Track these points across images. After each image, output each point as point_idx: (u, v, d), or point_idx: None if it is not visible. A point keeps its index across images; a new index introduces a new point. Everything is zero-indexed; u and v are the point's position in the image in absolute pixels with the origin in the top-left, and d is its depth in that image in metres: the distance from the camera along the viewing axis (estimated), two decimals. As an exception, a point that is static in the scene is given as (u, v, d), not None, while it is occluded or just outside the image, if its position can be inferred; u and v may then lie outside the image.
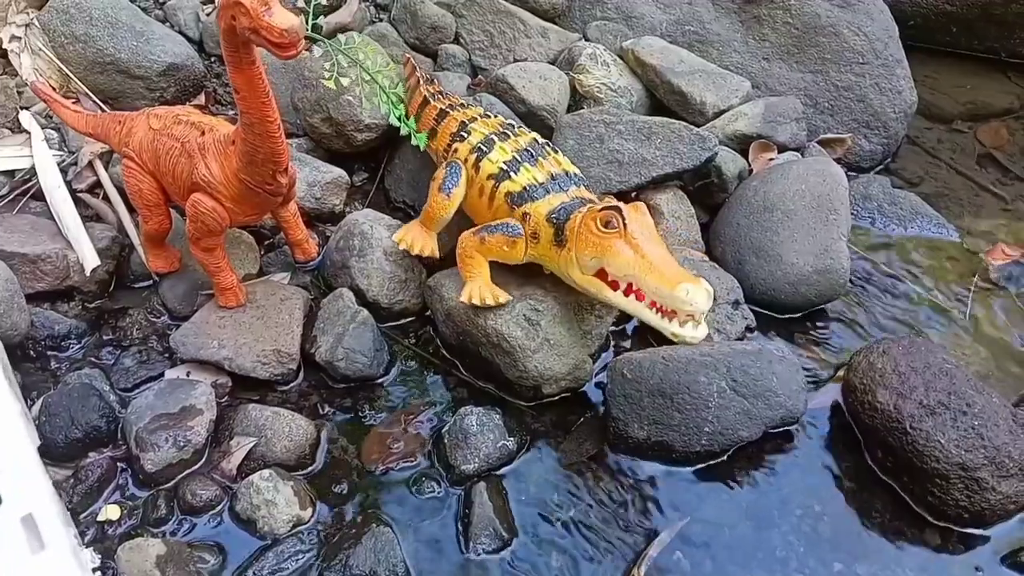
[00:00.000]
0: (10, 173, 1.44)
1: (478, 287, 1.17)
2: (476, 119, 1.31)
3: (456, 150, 1.28)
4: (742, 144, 1.52)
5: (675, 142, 1.40)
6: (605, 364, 1.26)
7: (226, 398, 1.21)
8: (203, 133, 1.14)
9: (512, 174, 1.18)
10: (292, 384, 1.24)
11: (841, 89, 1.65)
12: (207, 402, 1.15)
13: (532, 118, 1.53)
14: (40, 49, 1.58)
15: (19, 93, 1.57)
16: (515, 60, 1.66)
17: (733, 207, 1.44)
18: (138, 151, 1.20)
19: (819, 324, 1.36)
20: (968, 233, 1.54)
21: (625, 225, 1.05)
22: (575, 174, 1.20)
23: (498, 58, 1.69)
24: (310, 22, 1.27)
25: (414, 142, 1.30)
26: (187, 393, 1.15)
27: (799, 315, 1.37)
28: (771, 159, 1.52)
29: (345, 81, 1.25)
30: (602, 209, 1.07)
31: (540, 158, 1.20)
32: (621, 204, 1.07)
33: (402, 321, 1.33)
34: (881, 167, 1.69)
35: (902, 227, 1.53)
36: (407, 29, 1.73)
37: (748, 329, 1.32)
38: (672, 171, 1.40)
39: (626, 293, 1.06)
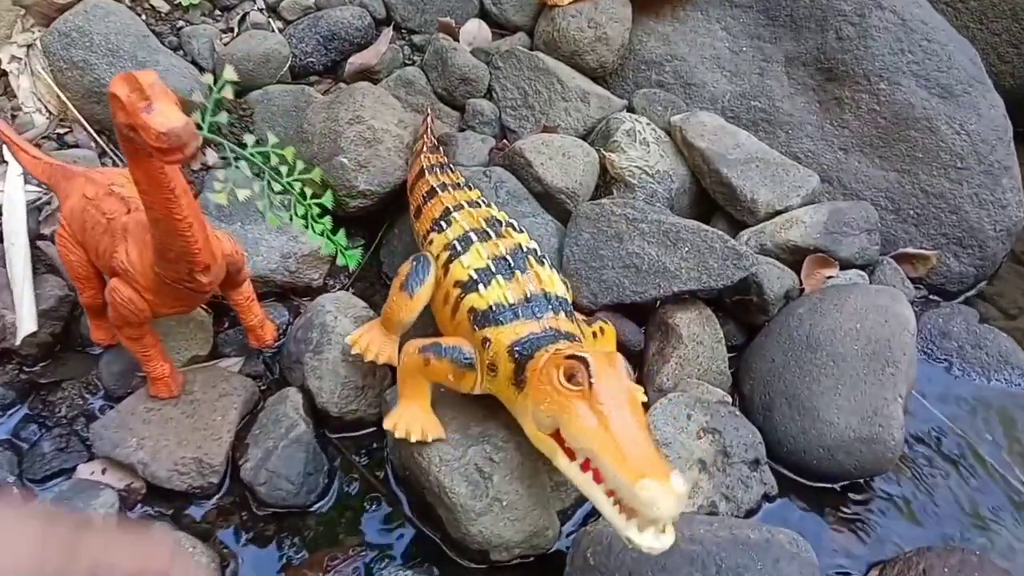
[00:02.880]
0: (-22, 209, 1.33)
1: (408, 414, 0.98)
2: (463, 207, 1.11)
3: (432, 240, 1.09)
4: (795, 256, 1.27)
5: (705, 254, 1.17)
6: (583, 520, 1.05)
7: (137, 506, 1.06)
8: (128, 211, 0.99)
9: (481, 287, 0.98)
10: (213, 498, 1.07)
11: (931, 195, 1.37)
12: (105, 517, 1.00)
13: (549, 200, 1.32)
14: (40, 72, 1.48)
15: (12, 117, 1.48)
16: (546, 126, 1.45)
17: (771, 336, 1.19)
18: (68, 219, 1.06)
19: (858, 500, 1.10)
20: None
21: (591, 383, 0.82)
22: (556, 296, 0.98)
23: (529, 120, 1.49)
24: (206, 119, 1.04)
25: (340, 262, 1.06)
26: (86, 502, 1.00)
27: (834, 485, 1.11)
28: (829, 277, 1.26)
29: (242, 194, 1.06)
30: (569, 357, 0.85)
31: (518, 271, 0.99)
32: (590, 355, 0.84)
33: (357, 433, 1.15)
34: (972, 292, 1.40)
35: (985, 377, 1.25)
36: (436, 77, 1.54)
37: (766, 497, 1.08)
38: (697, 288, 1.16)
39: (583, 467, 0.83)
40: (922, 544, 1.04)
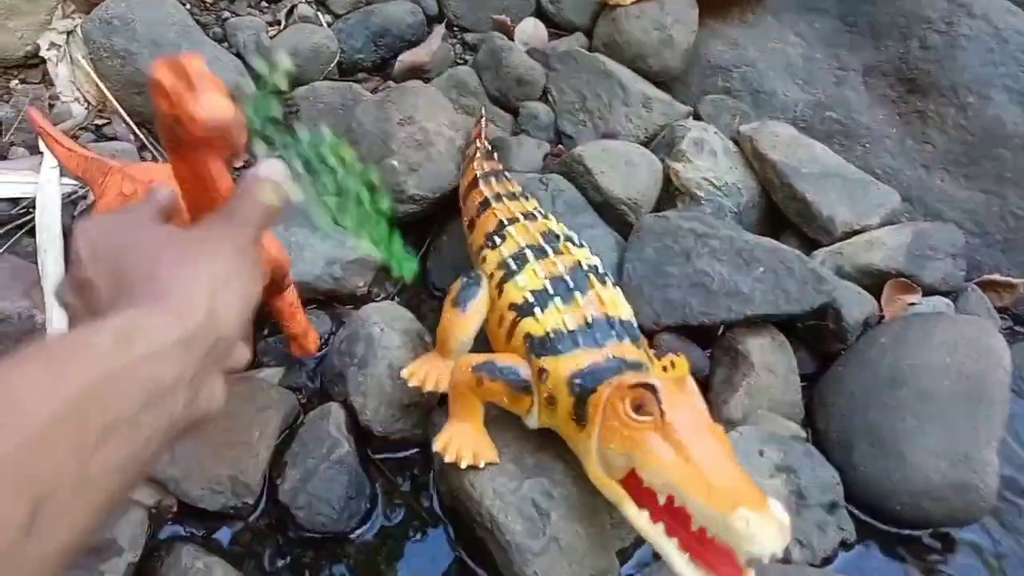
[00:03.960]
0: (14, 201, 1.28)
1: (459, 436, 0.90)
2: (518, 220, 1.03)
3: (485, 258, 1.01)
4: (874, 280, 1.17)
5: (782, 276, 1.08)
6: (645, 562, 0.97)
7: (168, 524, 0.99)
8: None
9: (538, 311, 0.90)
10: (248, 519, 1.01)
11: (1020, 219, 1.27)
12: (132, 538, 0.93)
13: (609, 211, 1.24)
14: (79, 61, 1.43)
15: (50, 106, 1.42)
16: (605, 132, 1.37)
17: (850, 367, 1.10)
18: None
19: (944, 551, 1.01)
20: None
21: (663, 412, 0.74)
22: (621, 321, 0.90)
23: (587, 125, 1.41)
24: (259, 111, 0.87)
25: (397, 272, 0.90)
26: (114, 520, 0.94)
27: (918, 532, 1.02)
28: (911, 304, 1.17)
29: (295, 193, 0.91)
30: (635, 385, 0.77)
31: (578, 293, 0.90)
32: (658, 381, 0.76)
33: (401, 454, 1.08)
34: (1064, 324, 1.30)
35: (1083, 420, 1.15)
36: (490, 78, 1.47)
37: (843, 545, 0.99)
38: (772, 312, 1.08)
39: (654, 518, 0.75)
40: (1018, 604, 0.94)
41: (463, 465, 0.89)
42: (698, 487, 0.69)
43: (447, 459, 0.89)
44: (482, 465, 0.89)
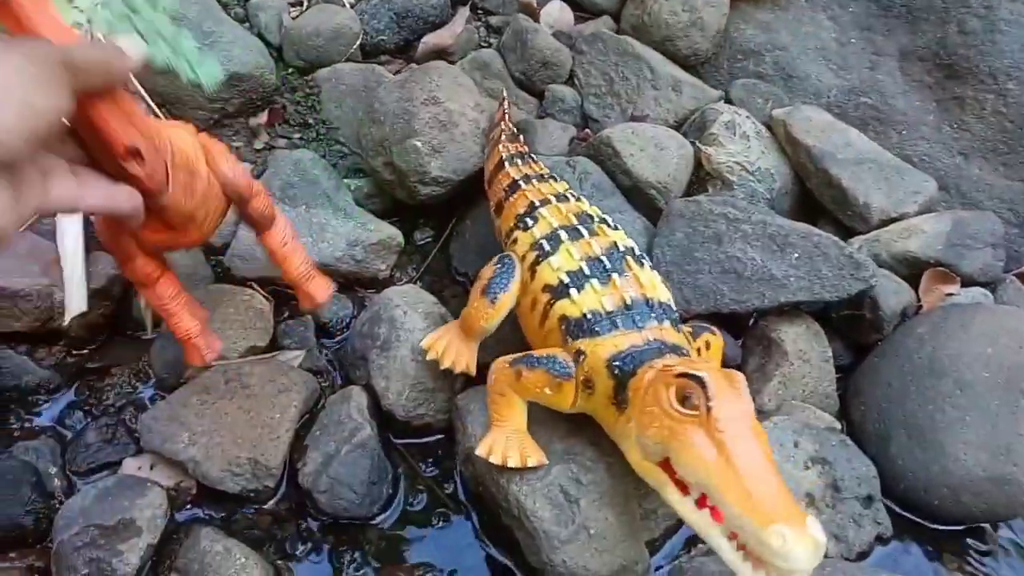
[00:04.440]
0: (33, 180, 1.26)
1: (504, 439, 0.87)
2: (550, 201, 1.00)
3: (516, 239, 0.98)
4: (912, 269, 1.14)
5: (818, 262, 1.05)
6: (672, 555, 0.94)
7: (187, 508, 0.97)
8: None
9: (573, 292, 0.87)
10: (268, 503, 0.98)
11: (1062, 209, 1.24)
12: (150, 519, 0.91)
13: (638, 195, 1.21)
14: (101, 40, 1.41)
15: (71, 86, 1.41)
16: (634, 115, 1.34)
17: (887, 358, 1.07)
18: None
19: (984, 547, 0.98)
20: None
21: (709, 407, 0.71)
22: (660, 303, 0.87)
23: (615, 109, 1.38)
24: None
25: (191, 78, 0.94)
26: (131, 501, 0.92)
27: (958, 528, 0.99)
28: (949, 294, 1.14)
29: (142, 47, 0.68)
30: (680, 375, 0.74)
31: (616, 274, 0.87)
32: (707, 372, 0.73)
33: (423, 439, 1.05)
34: (1104, 317, 1.26)
35: None
36: (515, 60, 1.44)
37: (879, 539, 0.96)
38: (807, 299, 1.04)
39: (699, 504, 0.72)
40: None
41: (511, 465, 0.85)
42: (736, 493, 0.66)
43: (493, 461, 0.86)
44: (532, 463, 0.86)
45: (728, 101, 1.36)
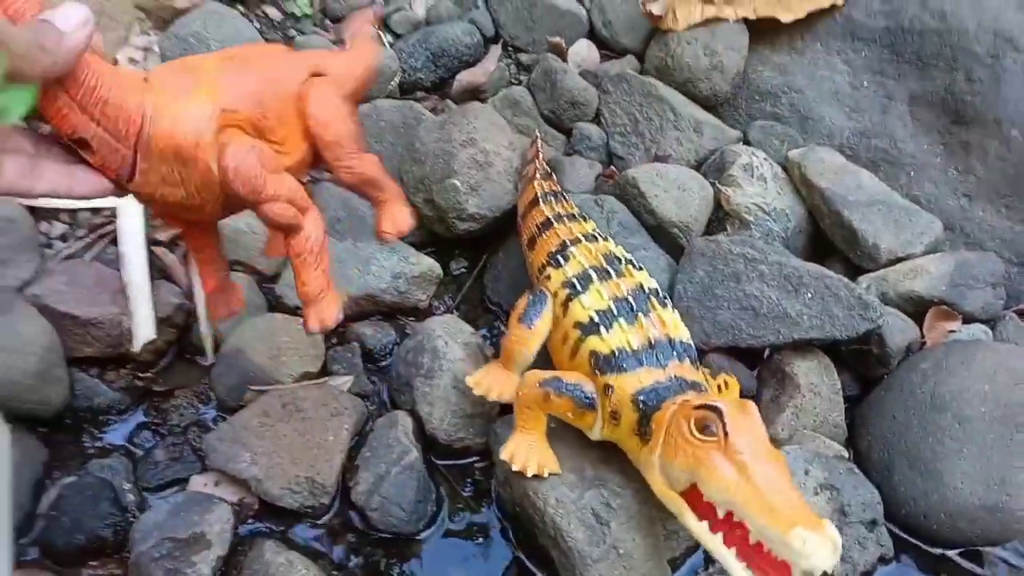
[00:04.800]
0: (96, 210, 1.36)
1: (526, 446, 0.97)
2: (580, 240, 1.09)
3: (549, 277, 1.07)
4: (917, 307, 1.22)
5: (829, 302, 1.13)
6: (693, 574, 1.03)
7: (250, 522, 1.07)
8: None
9: (603, 330, 0.96)
10: (322, 519, 1.08)
11: (1060, 250, 1.32)
12: (220, 533, 1.01)
13: (661, 233, 1.29)
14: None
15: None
16: (657, 154, 1.43)
17: (892, 391, 1.16)
18: None
19: (977, 569, 1.06)
20: None
21: (727, 433, 0.80)
22: (681, 342, 0.96)
23: (639, 147, 1.46)
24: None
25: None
26: (201, 516, 1.02)
27: (954, 551, 1.07)
28: (951, 331, 1.22)
29: None
30: (700, 407, 0.83)
31: (641, 314, 0.96)
32: (722, 403, 0.82)
33: (463, 461, 1.14)
34: (1099, 352, 1.34)
35: (1115, 448, 1.19)
36: (544, 99, 1.53)
37: (882, 560, 1.04)
38: (819, 337, 1.13)
39: (713, 528, 0.81)
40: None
41: (529, 474, 0.95)
42: (759, 506, 0.76)
43: (514, 468, 0.96)
44: (546, 475, 0.96)
45: (746, 142, 1.44)
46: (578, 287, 1.02)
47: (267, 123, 0.75)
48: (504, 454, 0.97)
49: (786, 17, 1.49)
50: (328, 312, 0.86)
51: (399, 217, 0.94)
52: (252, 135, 0.73)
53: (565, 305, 1.02)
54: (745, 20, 1.49)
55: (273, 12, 1.63)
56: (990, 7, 1.37)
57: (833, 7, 1.49)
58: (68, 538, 1.01)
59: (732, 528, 0.80)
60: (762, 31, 1.51)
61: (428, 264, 1.30)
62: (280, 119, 0.77)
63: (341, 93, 0.84)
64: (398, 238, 0.99)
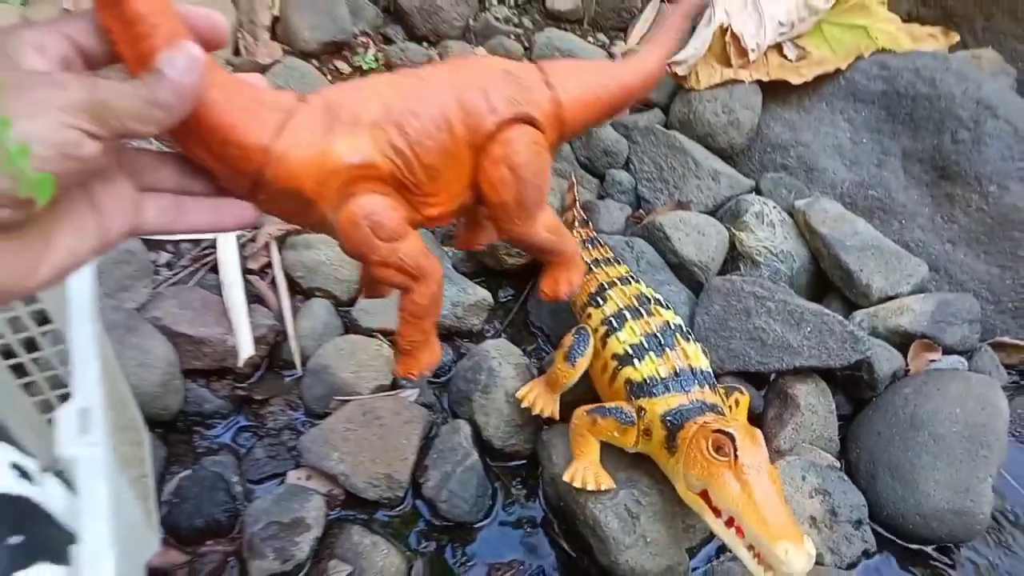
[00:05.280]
0: (196, 242, 1.59)
1: (584, 468, 1.17)
2: (616, 284, 1.30)
3: (590, 315, 1.28)
4: (903, 340, 1.43)
5: (825, 336, 1.34)
6: (706, 560, 1.24)
7: (336, 510, 1.28)
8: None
9: (636, 361, 1.17)
10: (397, 509, 1.29)
11: (1030, 291, 1.52)
12: (316, 518, 1.22)
13: (683, 271, 1.50)
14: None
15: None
16: (679, 200, 1.64)
17: (878, 411, 1.36)
18: None
19: (946, 562, 1.26)
20: None
21: (736, 455, 1.01)
22: (701, 371, 1.17)
23: (663, 192, 1.68)
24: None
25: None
26: (301, 504, 1.23)
27: (927, 547, 1.28)
28: (932, 360, 1.42)
29: None
30: (715, 431, 1.04)
31: (668, 348, 1.17)
32: (735, 429, 1.03)
33: (513, 463, 1.36)
34: (1063, 381, 1.54)
35: (1071, 463, 1.39)
36: (580, 147, 1.75)
37: (866, 554, 1.24)
38: (817, 365, 1.34)
39: (728, 524, 1.02)
40: (1003, 607, 1.20)
41: (589, 488, 1.16)
42: (756, 519, 0.96)
43: (576, 486, 1.16)
44: (605, 487, 1.16)
45: (758, 191, 1.65)
46: (615, 324, 1.23)
47: (414, 178, 0.63)
48: (567, 477, 1.17)
49: (795, 80, 1.70)
50: (416, 366, 0.83)
51: (561, 281, 0.86)
52: (390, 188, 0.63)
53: (604, 340, 1.23)
54: (759, 82, 1.70)
55: (343, 65, 1.85)
56: (973, 78, 1.58)
57: (837, 71, 1.70)
58: (190, 521, 1.23)
59: (740, 528, 1.01)
60: (774, 91, 1.72)
61: (482, 294, 1.52)
62: (441, 166, 0.63)
63: (556, 135, 0.69)
64: (555, 300, 0.95)
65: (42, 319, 1.09)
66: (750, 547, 0.99)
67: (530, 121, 0.64)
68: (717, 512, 1.03)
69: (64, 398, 1.20)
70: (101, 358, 0.89)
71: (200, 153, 0.56)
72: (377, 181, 0.61)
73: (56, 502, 0.94)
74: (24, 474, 0.92)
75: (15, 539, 0.84)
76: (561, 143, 0.72)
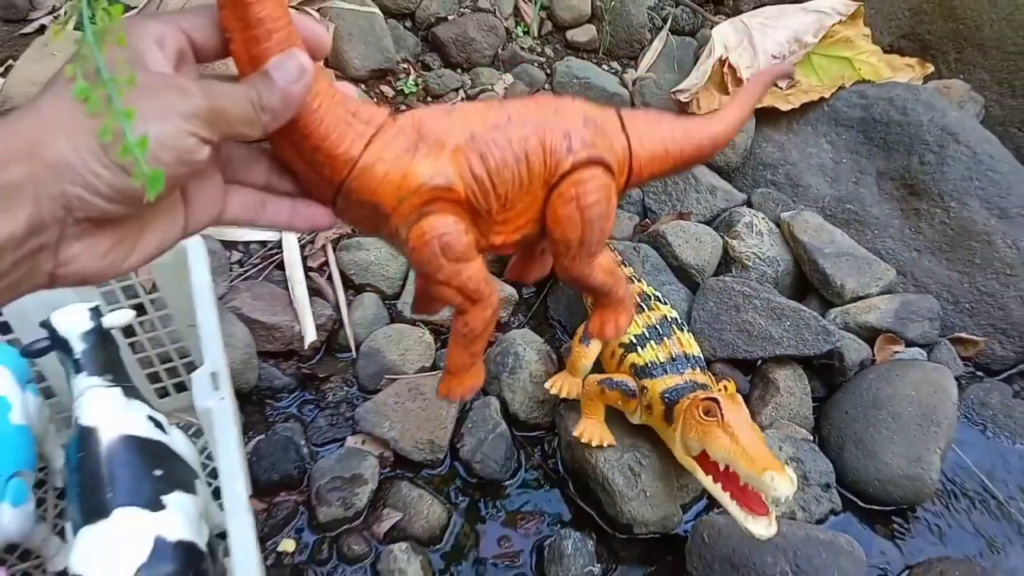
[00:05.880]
0: (263, 243, 1.84)
1: (590, 426, 1.41)
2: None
3: (599, 310, 1.53)
4: (871, 334, 1.66)
5: (801, 328, 1.58)
6: (696, 514, 1.48)
7: (387, 469, 1.53)
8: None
9: (639, 348, 1.41)
10: (438, 469, 1.54)
11: (984, 294, 1.74)
12: (372, 474, 1.47)
13: (682, 272, 1.74)
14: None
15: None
16: (681, 211, 1.88)
17: (847, 394, 1.60)
18: None
19: (902, 521, 1.50)
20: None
21: (722, 415, 1.25)
22: (694, 356, 1.41)
23: (668, 204, 1.92)
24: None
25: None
26: (359, 463, 1.48)
27: (886, 508, 1.51)
28: (896, 351, 1.65)
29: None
30: (704, 399, 1.28)
31: (666, 338, 1.41)
32: (719, 396, 1.26)
33: (535, 433, 1.60)
34: (1012, 371, 1.76)
35: (1011, 440, 1.62)
36: (595, 162, 1.99)
37: (832, 512, 1.48)
38: (794, 353, 1.57)
39: (715, 480, 1.26)
40: (944, 555, 1.43)
41: (594, 445, 1.40)
42: (744, 459, 1.20)
43: (584, 440, 1.40)
44: (605, 445, 1.40)
45: (750, 204, 1.89)
46: None
47: (487, 205, 0.64)
48: (576, 432, 1.42)
49: (784, 106, 1.93)
50: (459, 388, 0.81)
51: (608, 323, 0.84)
52: (464, 211, 0.64)
53: None
54: (753, 108, 1.94)
55: (387, 89, 2.10)
56: (940, 107, 1.81)
57: (822, 99, 1.94)
58: (268, 476, 1.48)
59: (728, 481, 1.25)
60: (766, 116, 1.95)
61: (509, 291, 1.76)
62: (514, 197, 0.64)
63: (625, 180, 0.69)
64: (600, 340, 1.00)
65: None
66: (734, 497, 1.23)
67: (604, 165, 0.65)
68: (708, 470, 1.27)
69: (170, 372, 1.46)
70: (221, 333, 1.15)
71: (290, 156, 0.58)
72: (452, 204, 0.62)
73: (181, 447, 1.19)
74: (158, 424, 1.18)
75: (158, 471, 1.10)
76: (627, 190, 0.72)
